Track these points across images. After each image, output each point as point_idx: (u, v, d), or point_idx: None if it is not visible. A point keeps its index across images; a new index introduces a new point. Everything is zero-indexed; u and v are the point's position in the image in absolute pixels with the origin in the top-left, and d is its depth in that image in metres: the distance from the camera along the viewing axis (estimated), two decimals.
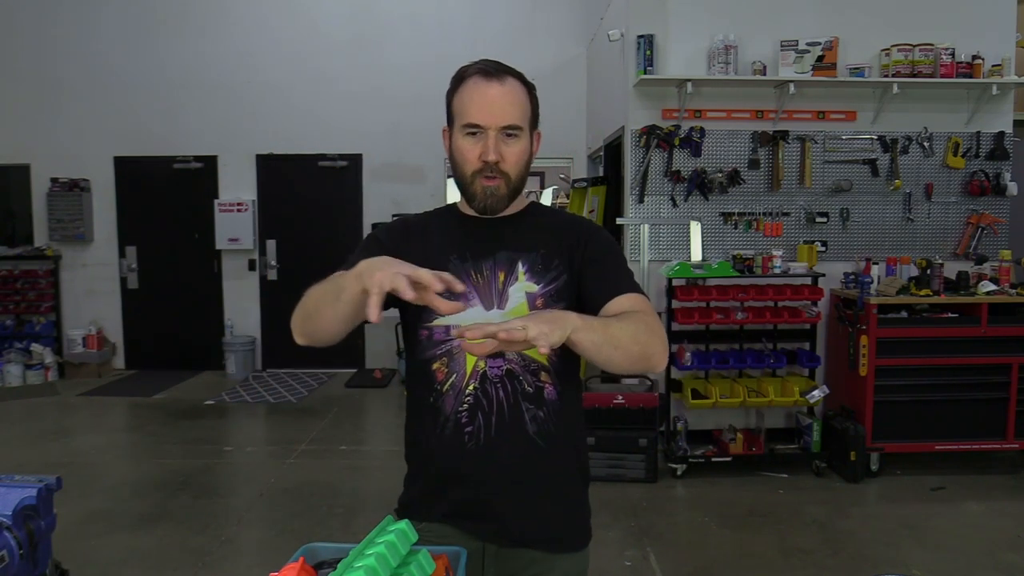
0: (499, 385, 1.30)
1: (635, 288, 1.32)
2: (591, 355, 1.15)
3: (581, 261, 1.34)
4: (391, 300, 1.34)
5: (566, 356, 1.33)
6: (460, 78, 1.31)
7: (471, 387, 1.30)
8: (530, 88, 1.34)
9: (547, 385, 1.32)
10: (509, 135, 1.28)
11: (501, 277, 1.32)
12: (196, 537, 3.54)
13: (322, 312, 1.22)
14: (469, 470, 1.31)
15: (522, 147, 1.31)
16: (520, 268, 1.33)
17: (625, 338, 1.17)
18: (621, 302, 1.27)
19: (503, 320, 1.04)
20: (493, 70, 1.29)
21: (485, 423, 1.30)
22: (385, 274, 1.04)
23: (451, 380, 1.31)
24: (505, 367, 1.30)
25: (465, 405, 1.30)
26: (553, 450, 1.33)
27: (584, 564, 1.41)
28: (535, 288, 1.32)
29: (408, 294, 1.02)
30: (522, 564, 1.35)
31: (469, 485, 1.32)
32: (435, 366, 1.32)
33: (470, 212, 1.37)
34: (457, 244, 1.35)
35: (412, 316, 1.34)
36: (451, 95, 1.33)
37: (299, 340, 1.30)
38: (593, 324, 1.14)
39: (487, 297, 1.32)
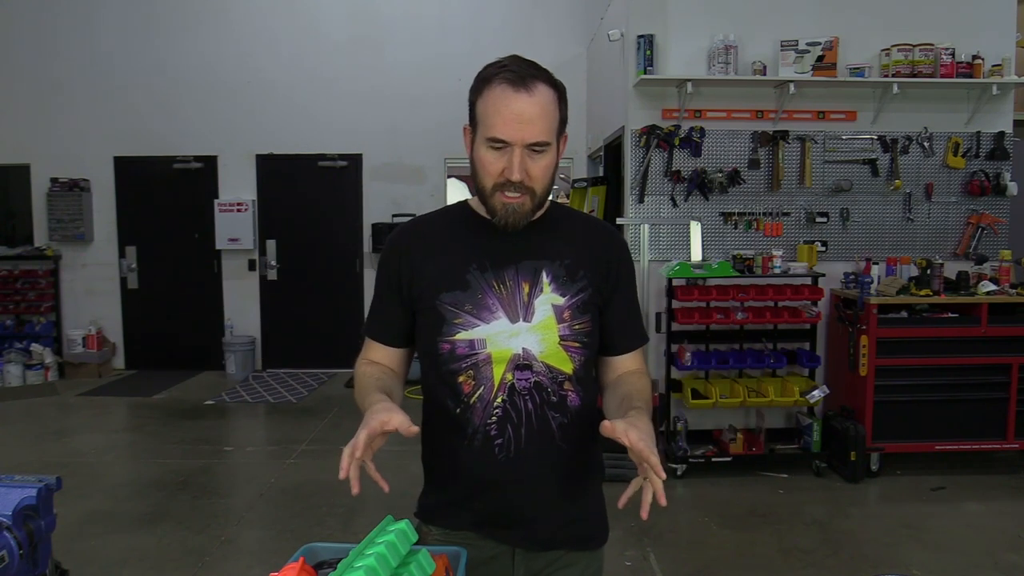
0: (527, 397, 1.28)
1: (643, 339, 1.43)
2: None
3: (608, 284, 1.35)
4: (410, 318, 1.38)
5: (588, 364, 1.34)
6: (485, 80, 1.22)
7: (499, 399, 1.28)
8: (560, 91, 1.26)
9: (570, 393, 1.31)
10: (536, 151, 1.22)
11: (526, 288, 1.29)
12: (196, 537, 3.54)
13: None
14: (499, 480, 1.30)
15: (548, 161, 1.24)
16: (544, 278, 1.30)
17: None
18: (633, 360, 1.40)
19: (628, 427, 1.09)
20: (521, 78, 1.19)
21: (515, 435, 1.28)
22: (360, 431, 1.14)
23: (479, 393, 1.28)
24: (533, 380, 1.28)
25: (494, 417, 1.28)
26: (577, 453, 1.33)
27: (601, 557, 1.44)
28: (561, 301, 1.30)
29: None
30: (548, 560, 1.36)
31: (498, 494, 1.31)
32: (461, 379, 1.29)
33: (485, 214, 1.32)
34: (476, 252, 1.30)
35: (430, 329, 1.31)
36: (474, 96, 1.25)
37: None
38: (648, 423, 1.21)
39: (512, 309, 1.28)
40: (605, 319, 1.36)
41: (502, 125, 1.19)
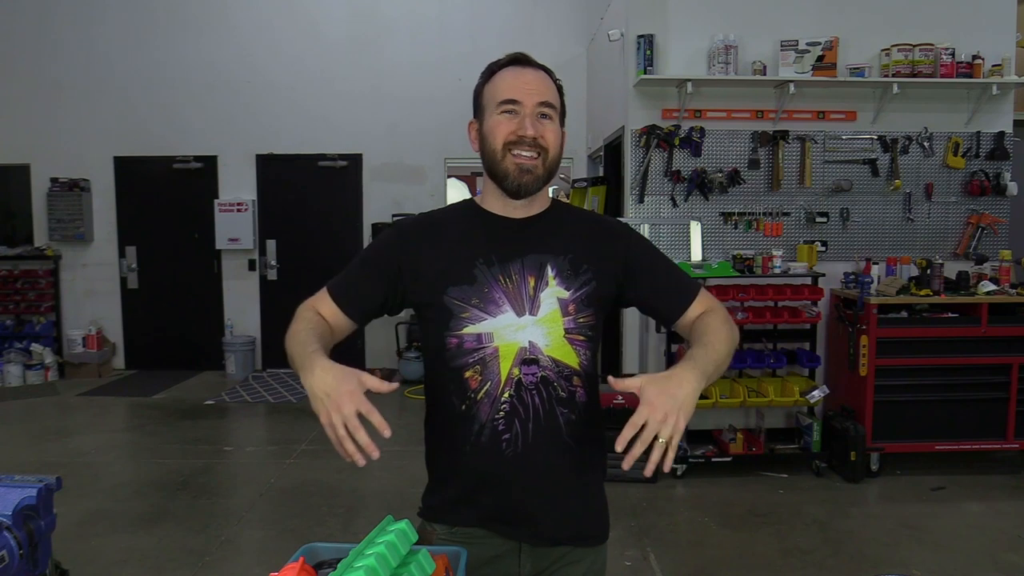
0: (534, 392, 1.29)
1: (694, 286, 1.40)
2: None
3: (625, 273, 1.36)
4: (402, 302, 1.37)
5: (594, 358, 1.35)
6: (491, 71, 1.34)
7: (507, 394, 1.28)
8: (558, 85, 1.35)
9: (579, 389, 1.32)
10: (543, 116, 1.29)
11: (531, 282, 1.31)
12: (196, 537, 3.54)
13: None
14: (507, 475, 1.30)
15: (556, 129, 1.32)
16: (549, 272, 1.32)
17: (724, 349, 1.27)
18: (694, 308, 1.37)
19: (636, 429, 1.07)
20: (526, 60, 1.33)
21: (522, 429, 1.29)
22: (343, 405, 1.16)
23: (486, 388, 1.29)
24: (540, 374, 1.29)
25: (501, 412, 1.28)
26: (583, 450, 1.34)
27: (605, 554, 1.45)
28: (566, 294, 1.31)
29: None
30: (554, 557, 1.37)
31: (505, 490, 1.31)
32: (468, 374, 1.29)
33: (492, 209, 1.36)
34: (482, 247, 1.32)
35: (437, 324, 1.31)
36: (481, 87, 1.34)
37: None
38: (707, 368, 1.20)
39: (518, 303, 1.30)
40: (642, 295, 1.38)
41: (514, 89, 1.29)
